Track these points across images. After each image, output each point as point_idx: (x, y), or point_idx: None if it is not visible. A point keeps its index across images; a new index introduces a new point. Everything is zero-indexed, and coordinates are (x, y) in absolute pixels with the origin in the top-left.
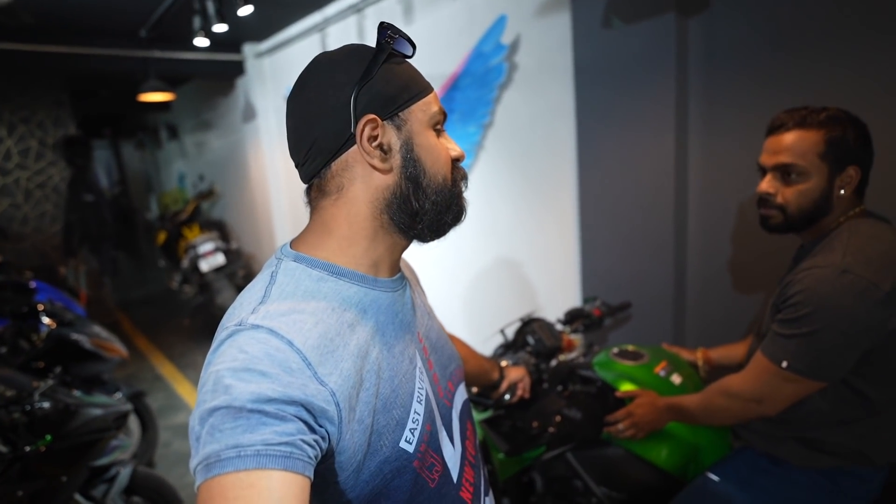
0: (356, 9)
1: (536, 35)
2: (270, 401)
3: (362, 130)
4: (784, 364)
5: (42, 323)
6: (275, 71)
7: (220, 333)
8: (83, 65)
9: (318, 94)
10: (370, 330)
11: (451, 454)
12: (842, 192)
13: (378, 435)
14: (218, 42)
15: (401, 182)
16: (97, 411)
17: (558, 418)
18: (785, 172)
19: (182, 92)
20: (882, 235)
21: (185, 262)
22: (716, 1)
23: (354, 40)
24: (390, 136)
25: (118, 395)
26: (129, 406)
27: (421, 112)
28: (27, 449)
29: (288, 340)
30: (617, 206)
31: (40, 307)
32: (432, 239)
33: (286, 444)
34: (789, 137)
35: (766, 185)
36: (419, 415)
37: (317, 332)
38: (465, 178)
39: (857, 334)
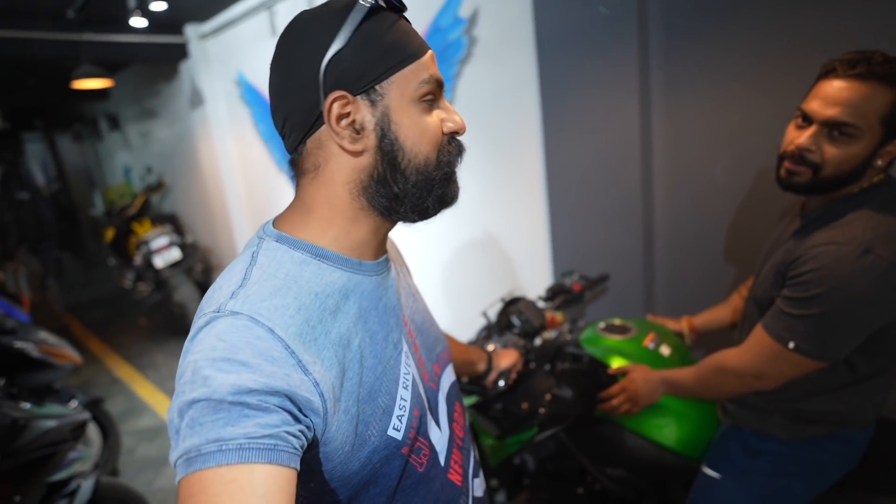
0: None
1: (495, 7)
2: (252, 392)
3: (330, 108)
4: (791, 345)
5: None
6: (221, 53)
7: (199, 320)
8: (5, 50)
9: (289, 63)
10: (353, 316)
11: (439, 437)
12: (879, 162)
13: (365, 424)
14: (157, 23)
15: (377, 163)
16: (50, 423)
17: (548, 398)
18: (834, 129)
19: (121, 78)
20: None
21: (138, 259)
22: None
23: None
24: (364, 114)
25: (73, 403)
26: (86, 414)
27: (404, 83)
28: None
29: (269, 328)
30: (584, 175)
31: None
32: (418, 221)
33: (270, 436)
34: (855, 89)
35: (808, 139)
36: (406, 401)
37: (299, 319)
38: (460, 153)
39: (871, 318)
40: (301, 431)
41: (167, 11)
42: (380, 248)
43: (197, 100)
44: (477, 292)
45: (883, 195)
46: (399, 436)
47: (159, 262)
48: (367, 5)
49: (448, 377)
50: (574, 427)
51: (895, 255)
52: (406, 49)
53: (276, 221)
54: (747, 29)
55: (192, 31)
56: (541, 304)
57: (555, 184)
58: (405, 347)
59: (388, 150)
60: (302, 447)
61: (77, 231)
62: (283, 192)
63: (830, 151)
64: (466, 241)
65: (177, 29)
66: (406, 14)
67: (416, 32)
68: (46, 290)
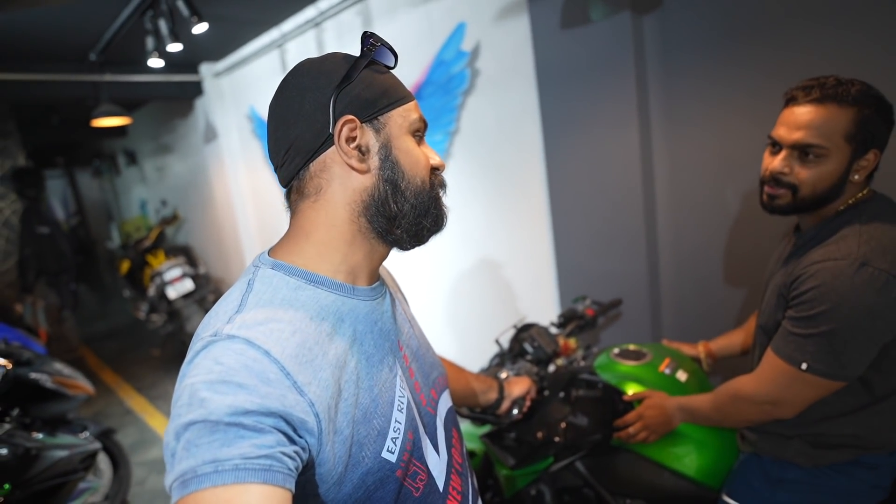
0: (314, 23)
1: (497, 40)
2: (248, 413)
3: (340, 130)
4: (804, 366)
5: None
6: (234, 89)
7: (195, 344)
8: (30, 92)
9: (298, 95)
10: (348, 339)
11: (437, 462)
12: (856, 176)
13: (359, 446)
14: (174, 63)
15: (378, 184)
16: (62, 453)
17: (563, 426)
18: (803, 152)
19: (138, 116)
20: (893, 219)
21: (152, 291)
22: None
23: (314, 55)
24: (368, 138)
25: (85, 434)
26: (96, 445)
27: (401, 118)
28: None
29: (265, 350)
30: (587, 202)
31: None
32: (412, 246)
33: (265, 456)
34: (814, 112)
35: (781, 163)
36: (400, 423)
37: (294, 342)
38: (443, 185)
39: (879, 330)
40: (296, 452)
41: (184, 52)
42: (374, 274)
43: (211, 134)
44: (483, 319)
45: (871, 210)
46: (393, 458)
47: (172, 293)
48: (372, 56)
49: (445, 402)
50: (590, 456)
51: (893, 267)
52: (400, 92)
53: (272, 250)
54: (740, 62)
55: (206, 69)
56: (554, 331)
57: (558, 210)
58: (400, 371)
59: (389, 172)
60: (297, 468)
61: (94, 264)
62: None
63: (803, 173)
64: (472, 267)
65: (192, 68)
66: (411, 48)
67: (399, 83)
68: (63, 322)
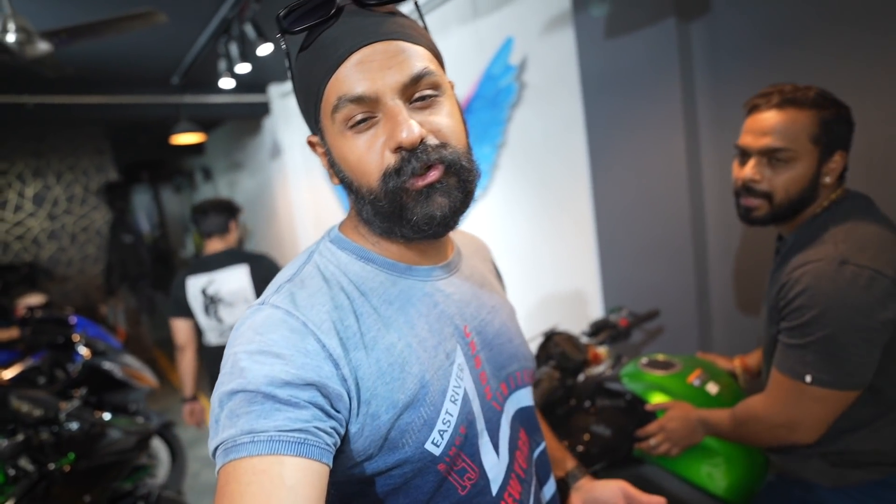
0: None
1: (543, 53)
2: (285, 384)
3: (314, 151)
4: (808, 378)
5: (78, 353)
6: (298, 109)
7: (247, 310)
8: (121, 113)
9: None
10: (396, 320)
11: (494, 464)
12: (827, 179)
13: (400, 432)
14: (245, 84)
15: (349, 192)
16: (119, 433)
17: (587, 436)
18: (772, 157)
19: (215, 135)
20: (867, 216)
21: None
22: (715, 3)
23: None
24: (325, 150)
25: (141, 419)
26: (151, 427)
27: (327, 112)
28: (51, 467)
29: (303, 321)
30: (632, 212)
31: (76, 338)
32: (419, 237)
33: (300, 430)
34: (778, 117)
35: (751, 170)
36: (451, 416)
37: (336, 316)
38: (413, 172)
39: (876, 329)
40: (333, 428)
41: (254, 73)
42: (432, 255)
43: (276, 151)
44: (529, 328)
45: (845, 208)
46: (437, 451)
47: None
48: (283, 35)
49: (518, 400)
50: (613, 467)
51: (873, 262)
52: (318, 74)
53: (341, 224)
54: (791, 61)
55: (274, 90)
56: (584, 340)
57: (604, 220)
58: (460, 359)
59: (345, 180)
60: (335, 444)
61: (171, 273)
62: None
63: (775, 178)
64: (517, 278)
65: (261, 89)
66: (460, 64)
67: (336, 41)
68: (140, 325)
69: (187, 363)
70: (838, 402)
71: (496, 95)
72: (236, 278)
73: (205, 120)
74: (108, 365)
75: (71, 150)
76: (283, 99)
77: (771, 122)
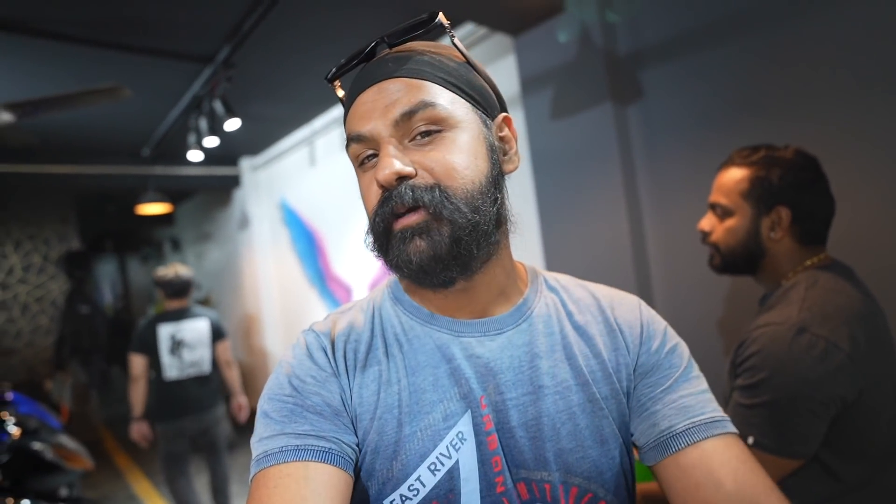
0: (339, 121)
1: None
2: (309, 405)
3: None
4: (750, 440)
5: (5, 433)
6: (269, 182)
7: (300, 333)
8: (88, 183)
9: None
10: (399, 362)
11: None
12: (772, 233)
13: (367, 473)
14: (216, 157)
15: None
16: None
17: None
18: (716, 209)
19: (185, 206)
20: (842, 288)
21: None
22: (648, 89)
23: (340, 151)
24: None
25: None
26: None
27: (351, 155)
28: None
29: (322, 346)
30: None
31: (3, 416)
32: (420, 284)
33: (324, 439)
34: (724, 175)
35: (703, 222)
36: (423, 486)
37: (351, 347)
38: (392, 212)
39: (823, 402)
40: (351, 445)
41: (224, 147)
42: (464, 306)
43: (244, 223)
44: None
45: (823, 276)
46: None
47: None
48: (341, 99)
49: None
50: None
51: (832, 334)
52: (344, 115)
53: None
54: (715, 143)
55: (246, 163)
56: None
57: None
58: (465, 428)
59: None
60: (355, 460)
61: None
62: (314, 305)
63: (717, 229)
64: None
65: (233, 161)
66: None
67: (355, 82)
68: (88, 402)
69: (140, 390)
70: (778, 468)
71: None
72: (199, 327)
73: (175, 191)
74: (37, 445)
75: (34, 218)
76: (253, 172)
77: (718, 181)
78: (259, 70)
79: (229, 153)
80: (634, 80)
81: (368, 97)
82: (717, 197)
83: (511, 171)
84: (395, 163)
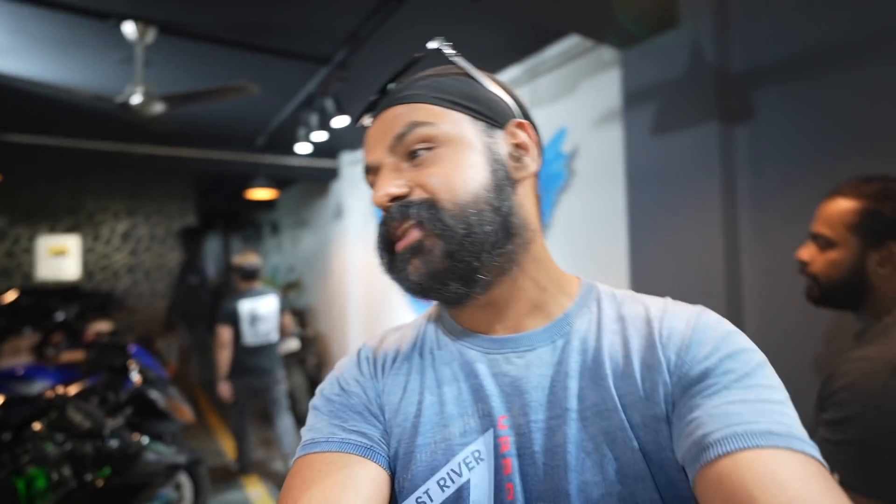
0: None
1: (593, 144)
2: (352, 404)
3: None
4: (836, 478)
5: (129, 380)
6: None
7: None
8: (207, 167)
9: None
10: (428, 374)
11: None
12: (880, 269)
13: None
14: (318, 150)
15: None
16: (153, 457)
17: None
18: (818, 240)
19: (286, 194)
20: None
21: None
22: (761, 110)
23: None
24: None
25: (174, 449)
26: (181, 458)
27: (368, 182)
28: (88, 478)
29: (366, 356)
30: None
31: (131, 364)
32: (429, 300)
33: (366, 436)
34: (830, 205)
35: (803, 252)
36: (431, 500)
37: (390, 357)
38: (389, 231)
39: None
40: (388, 444)
41: (328, 141)
42: (493, 322)
43: (339, 213)
44: None
45: None
46: None
47: (280, 349)
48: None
49: None
50: None
51: None
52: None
53: None
54: (833, 177)
55: (346, 157)
56: None
57: None
58: (481, 447)
59: None
60: (390, 459)
61: None
62: (393, 294)
63: (817, 261)
64: None
65: (333, 155)
66: None
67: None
68: (189, 363)
69: (227, 356)
70: None
71: (546, 179)
72: (269, 303)
73: (280, 179)
74: (154, 394)
75: (161, 193)
76: (352, 166)
77: (824, 210)
78: (369, 72)
79: (332, 147)
80: (746, 99)
81: (373, 129)
82: (820, 227)
83: (525, 178)
84: (386, 185)
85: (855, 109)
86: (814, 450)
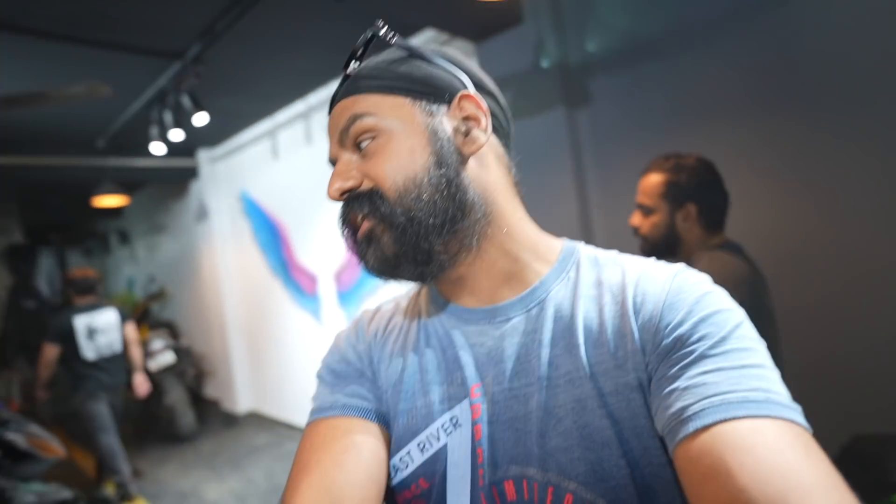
0: (303, 116)
1: None
2: (352, 370)
3: None
4: None
5: None
6: (228, 174)
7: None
8: (36, 175)
9: None
10: (413, 343)
11: None
12: (684, 224)
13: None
14: (174, 148)
15: None
16: (32, 499)
17: None
18: (642, 209)
19: (135, 197)
20: (731, 260)
21: None
22: (596, 95)
23: (302, 145)
24: None
25: (55, 485)
26: (67, 493)
27: None
28: None
29: (361, 327)
30: None
31: None
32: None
33: (366, 399)
34: (645, 181)
35: (634, 219)
36: (412, 460)
37: (381, 325)
38: (346, 222)
39: None
40: (380, 402)
41: (184, 139)
42: (468, 293)
43: (202, 214)
44: None
45: (718, 252)
46: (394, 479)
47: (153, 365)
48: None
49: None
50: None
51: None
52: None
53: None
54: (655, 145)
55: (204, 155)
56: None
57: None
58: (460, 414)
59: None
60: (386, 418)
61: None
62: (278, 294)
63: (645, 225)
64: None
65: (189, 153)
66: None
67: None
68: (36, 399)
69: (47, 375)
70: None
71: None
72: (108, 315)
73: (129, 183)
74: (11, 435)
75: None
76: (211, 164)
77: (642, 185)
78: (225, 66)
79: (186, 145)
80: (584, 87)
81: (328, 124)
82: (641, 198)
83: (474, 152)
84: (336, 179)
85: (664, 95)
86: (794, 413)
